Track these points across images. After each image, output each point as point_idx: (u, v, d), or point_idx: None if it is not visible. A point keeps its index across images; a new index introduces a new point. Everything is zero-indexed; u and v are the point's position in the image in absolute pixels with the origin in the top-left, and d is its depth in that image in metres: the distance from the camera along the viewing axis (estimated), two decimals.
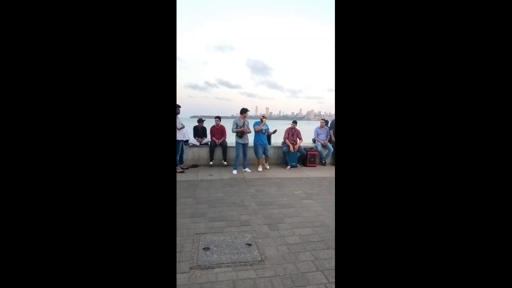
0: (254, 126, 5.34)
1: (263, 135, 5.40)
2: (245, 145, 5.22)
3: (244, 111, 5.26)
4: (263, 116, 5.45)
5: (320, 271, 1.96)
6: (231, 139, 5.76)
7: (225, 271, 1.92)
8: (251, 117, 6.27)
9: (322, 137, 6.15)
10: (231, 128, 5.23)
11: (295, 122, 5.90)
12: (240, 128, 5.11)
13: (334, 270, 1.97)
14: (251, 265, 2.02)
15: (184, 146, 5.30)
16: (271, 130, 5.61)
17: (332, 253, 2.22)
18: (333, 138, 6.15)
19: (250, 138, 5.38)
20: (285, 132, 5.85)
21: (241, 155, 5.22)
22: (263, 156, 5.43)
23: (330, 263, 2.06)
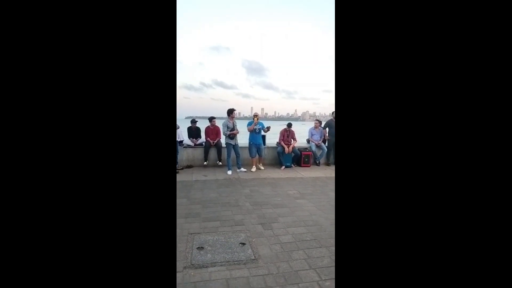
0: (247, 126, 5.36)
1: (257, 135, 5.40)
2: (235, 146, 5.25)
3: (230, 111, 5.23)
4: (255, 115, 5.45)
5: (313, 269, 1.99)
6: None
7: (218, 270, 1.94)
8: (246, 118, 6.21)
9: (316, 137, 6.20)
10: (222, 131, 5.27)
11: (289, 125, 5.92)
12: (231, 129, 5.15)
13: (329, 268, 2.00)
14: (244, 263, 2.04)
15: (179, 147, 5.29)
16: (265, 128, 5.60)
17: (324, 251, 2.25)
18: (326, 137, 6.22)
19: (239, 139, 5.40)
20: (280, 134, 5.89)
21: (232, 155, 5.24)
22: (257, 156, 5.45)
23: (323, 261, 2.09)
